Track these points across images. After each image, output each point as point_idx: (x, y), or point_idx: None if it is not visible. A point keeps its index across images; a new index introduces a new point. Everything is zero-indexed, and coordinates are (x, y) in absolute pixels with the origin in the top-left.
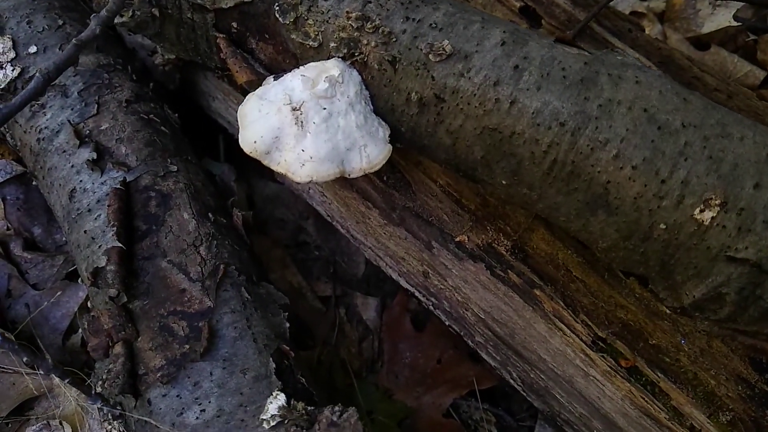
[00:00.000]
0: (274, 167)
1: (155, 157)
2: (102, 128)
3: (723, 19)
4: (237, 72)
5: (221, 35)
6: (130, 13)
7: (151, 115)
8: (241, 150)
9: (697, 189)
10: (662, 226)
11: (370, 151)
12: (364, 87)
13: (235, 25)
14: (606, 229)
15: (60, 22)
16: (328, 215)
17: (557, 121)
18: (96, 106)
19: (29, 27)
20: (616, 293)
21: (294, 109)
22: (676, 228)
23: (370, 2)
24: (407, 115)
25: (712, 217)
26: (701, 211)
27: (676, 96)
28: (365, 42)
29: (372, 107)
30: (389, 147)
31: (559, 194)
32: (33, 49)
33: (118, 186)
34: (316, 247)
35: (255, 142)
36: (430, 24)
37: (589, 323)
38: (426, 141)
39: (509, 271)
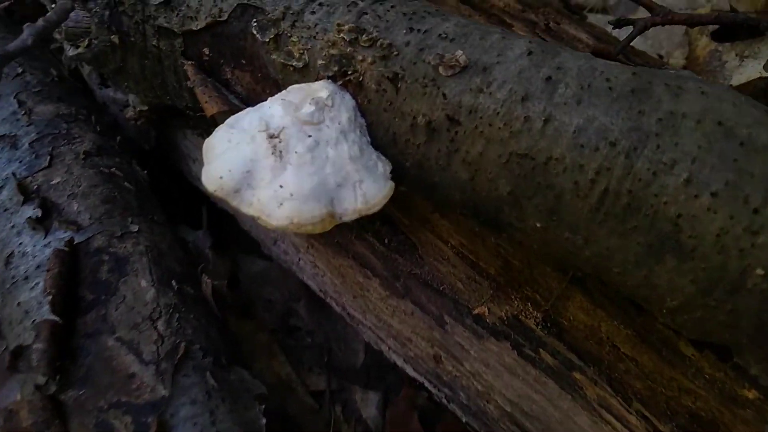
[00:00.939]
0: (245, 209)
1: (113, 216)
2: (53, 182)
3: (752, 71)
4: (207, 102)
5: (189, 62)
6: (86, 43)
7: (114, 168)
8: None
9: None
10: (759, 271)
11: (366, 188)
12: (359, 114)
13: (207, 51)
14: (677, 281)
15: None
16: (321, 290)
17: (606, 141)
18: (48, 158)
19: None
20: (680, 374)
21: (271, 137)
22: None
23: (366, 13)
24: (413, 145)
25: None
26: None
27: (755, 109)
28: (360, 58)
29: (369, 139)
30: (391, 184)
31: (612, 236)
32: None
33: (62, 247)
34: (308, 332)
35: (221, 177)
36: (440, 34)
37: (646, 414)
38: (437, 178)
39: (541, 350)
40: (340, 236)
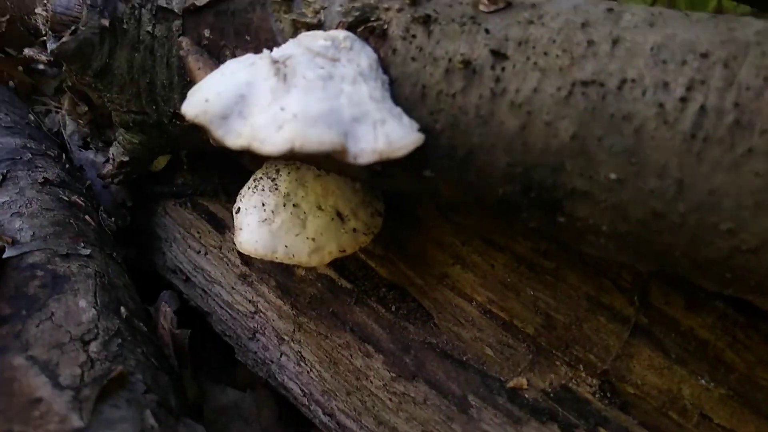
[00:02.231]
0: (232, 141)
1: (61, 237)
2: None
3: None
4: (199, 69)
5: (184, 38)
6: (72, 30)
7: (76, 197)
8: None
9: None
10: None
11: (390, 129)
12: (380, 68)
13: (207, 32)
14: None
15: None
16: (305, 394)
17: (695, 53)
18: (1, 178)
19: None
20: None
21: (275, 62)
22: None
23: None
24: (447, 97)
25: None
26: None
27: None
28: (386, 7)
29: (390, 95)
30: (420, 135)
31: (717, 171)
32: None
33: None
34: None
35: (207, 100)
36: None
37: None
38: (476, 138)
39: (601, 430)
40: (336, 303)
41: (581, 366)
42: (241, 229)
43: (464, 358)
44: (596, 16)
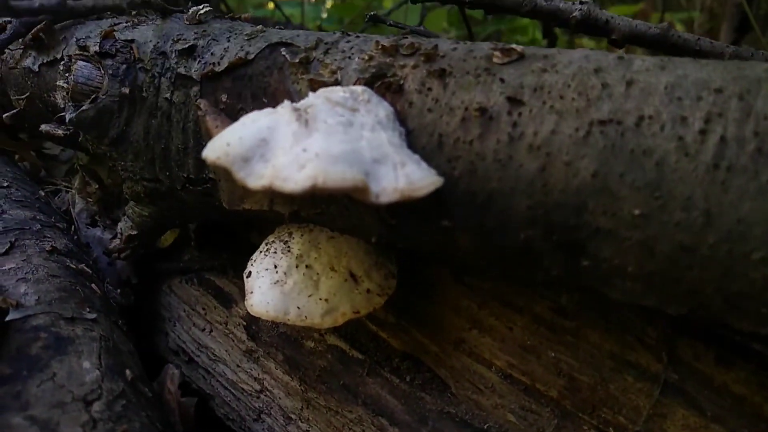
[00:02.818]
0: (253, 183)
1: (67, 302)
2: (4, 268)
3: None
4: (216, 128)
5: (202, 100)
6: (92, 98)
7: (83, 266)
8: None
9: None
10: None
11: (410, 171)
12: (397, 121)
13: (224, 97)
14: None
15: None
16: None
17: (709, 90)
18: (8, 245)
19: None
20: None
21: (297, 109)
22: None
23: (407, 36)
24: (464, 143)
25: None
26: None
27: None
28: (401, 64)
29: (408, 145)
30: (440, 178)
31: (744, 200)
32: None
33: None
34: None
35: (228, 144)
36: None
37: None
38: (495, 183)
39: None
40: (347, 375)
41: (611, 429)
42: (252, 292)
43: (485, 426)
44: (608, 62)
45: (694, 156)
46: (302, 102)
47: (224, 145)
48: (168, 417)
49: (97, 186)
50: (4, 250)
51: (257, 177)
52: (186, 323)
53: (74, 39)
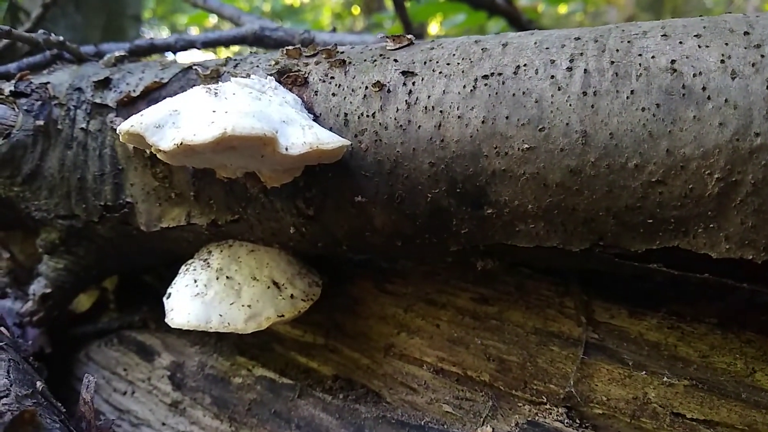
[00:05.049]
0: (164, 144)
1: None
2: None
3: None
4: None
5: (118, 118)
6: (5, 134)
7: None
8: None
9: None
10: None
11: (318, 131)
12: (304, 107)
13: None
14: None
15: None
16: None
17: (570, 39)
18: None
19: None
20: None
21: (207, 88)
22: None
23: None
24: (368, 117)
25: None
26: None
27: None
28: (305, 62)
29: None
30: (347, 141)
31: (613, 115)
32: None
33: None
34: None
35: (142, 115)
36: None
37: None
38: (399, 147)
39: None
40: (278, 403)
41: (544, 398)
42: (172, 309)
43: (422, 423)
44: (486, 37)
45: (566, 89)
46: (213, 84)
47: (138, 116)
48: (82, 428)
49: (8, 256)
50: None
51: (169, 139)
52: (105, 390)
53: None
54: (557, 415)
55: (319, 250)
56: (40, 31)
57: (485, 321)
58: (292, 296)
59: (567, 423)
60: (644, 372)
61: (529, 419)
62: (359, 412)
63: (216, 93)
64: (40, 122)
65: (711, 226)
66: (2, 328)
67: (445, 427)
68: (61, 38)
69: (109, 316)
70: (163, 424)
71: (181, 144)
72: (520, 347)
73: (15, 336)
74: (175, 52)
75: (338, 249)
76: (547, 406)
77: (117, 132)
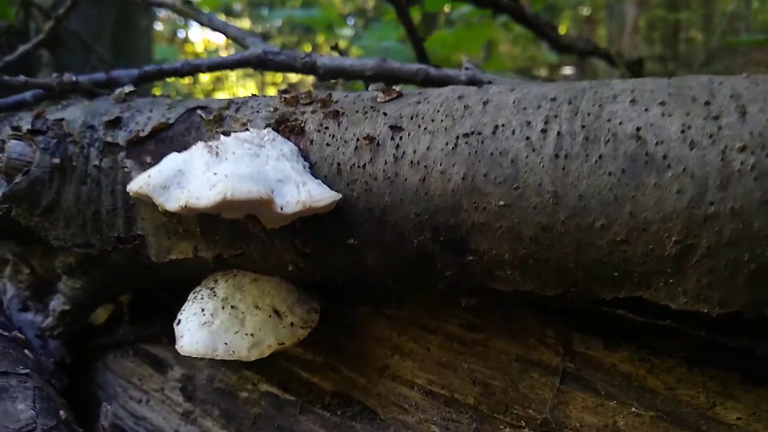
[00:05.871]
0: (171, 205)
1: (1, 361)
2: None
3: None
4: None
5: (128, 159)
6: (24, 171)
7: (15, 332)
8: None
9: None
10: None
11: (311, 188)
12: (301, 157)
13: (148, 159)
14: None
15: None
16: None
17: (546, 99)
18: None
19: None
20: None
21: (208, 146)
22: None
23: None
24: (359, 168)
25: None
26: None
27: None
28: (301, 111)
29: (312, 175)
30: (337, 194)
31: (582, 177)
32: None
33: None
34: None
35: (149, 176)
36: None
37: None
38: (387, 197)
39: None
40: (281, 417)
41: (523, 422)
42: (182, 336)
43: None
44: (469, 91)
45: (539, 150)
46: (214, 141)
47: (146, 177)
48: None
49: (28, 271)
50: None
51: (175, 200)
52: (122, 398)
53: (7, 128)
54: None
55: (318, 281)
56: (54, 75)
57: (472, 347)
58: (291, 324)
59: None
60: (615, 402)
61: None
62: (355, 429)
63: (217, 153)
64: (56, 160)
65: (671, 281)
66: (26, 351)
67: None
68: (74, 78)
69: (125, 328)
70: (176, 431)
71: (185, 206)
72: (504, 373)
73: (37, 347)
74: (182, 77)
75: (336, 282)
76: (526, 431)
77: (127, 190)
